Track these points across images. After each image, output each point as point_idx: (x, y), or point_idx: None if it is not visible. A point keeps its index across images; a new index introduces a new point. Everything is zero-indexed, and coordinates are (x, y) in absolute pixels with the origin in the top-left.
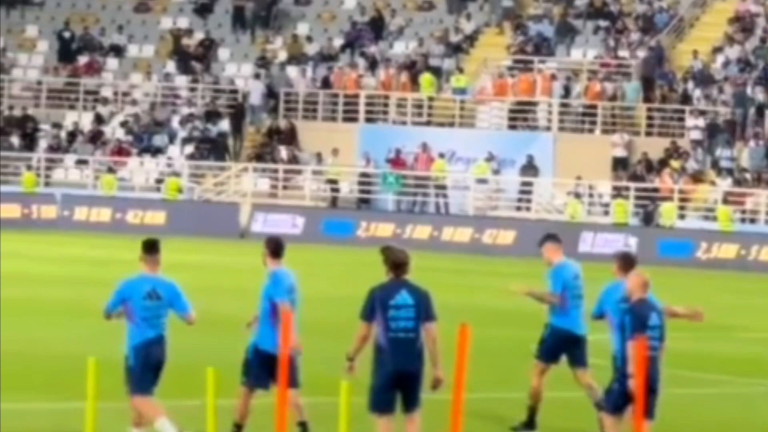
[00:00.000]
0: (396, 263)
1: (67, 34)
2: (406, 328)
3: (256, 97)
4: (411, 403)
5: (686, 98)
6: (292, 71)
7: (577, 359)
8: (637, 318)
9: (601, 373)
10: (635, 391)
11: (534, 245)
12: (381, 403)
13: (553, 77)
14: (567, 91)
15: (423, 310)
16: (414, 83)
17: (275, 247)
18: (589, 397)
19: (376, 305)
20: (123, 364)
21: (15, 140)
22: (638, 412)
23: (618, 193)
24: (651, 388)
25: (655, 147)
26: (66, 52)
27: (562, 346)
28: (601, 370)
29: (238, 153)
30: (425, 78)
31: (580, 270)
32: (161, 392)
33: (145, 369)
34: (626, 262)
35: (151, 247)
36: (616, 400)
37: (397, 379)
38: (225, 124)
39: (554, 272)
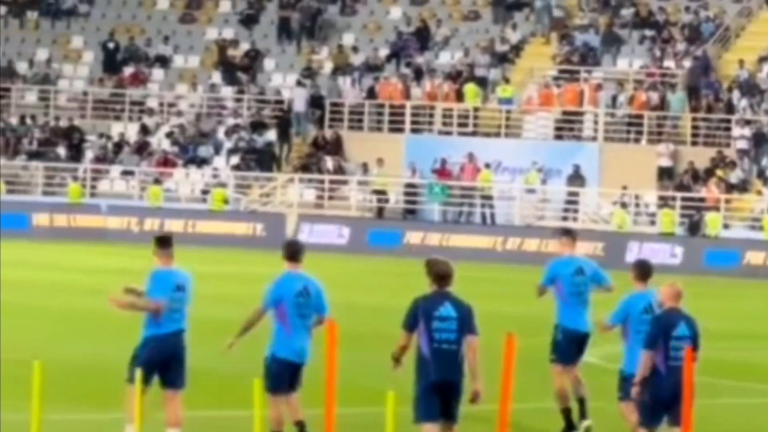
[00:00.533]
0: (440, 275)
1: (112, 45)
2: (449, 339)
3: (300, 104)
4: (449, 415)
5: (732, 108)
6: (340, 81)
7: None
8: (660, 328)
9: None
10: (637, 399)
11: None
12: (425, 411)
13: (599, 87)
14: (613, 101)
15: (466, 323)
16: (459, 93)
17: (290, 251)
18: (573, 392)
19: (419, 316)
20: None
21: (61, 151)
22: (686, 419)
23: (664, 203)
24: (676, 397)
25: (701, 157)
26: (111, 62)
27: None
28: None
29: (285, 160)
30: (469, 88)
31: (588, 266)
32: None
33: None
34: (644, 270)
35: (164, 242)
36: (649, 412)
37: (439, 389)
38: (271, 134)
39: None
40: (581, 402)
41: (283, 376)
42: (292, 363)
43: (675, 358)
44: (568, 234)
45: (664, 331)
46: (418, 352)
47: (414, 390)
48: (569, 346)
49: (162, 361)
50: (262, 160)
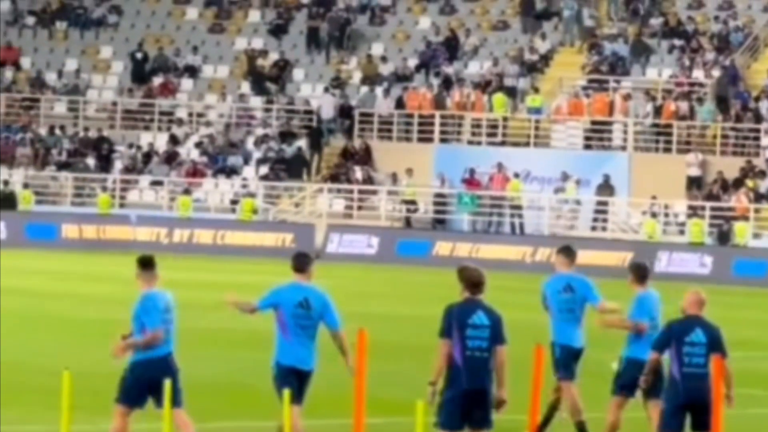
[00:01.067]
0: (473, 282)
1: (141, 55)
2: (481, 347)
3: (328, 112)
4: (481, 422)
5: (760, 117)
6: (377, 91)
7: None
8: (671, 333)
9: None
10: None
11: (614, 265)
12: (448, 419)
13: (628, 97)
14: (642, 111)
15: (497, 332)
16: (488, 103)
17: (296, 262)
18: (551, 400)
19: (453, 323)
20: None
21: (90, 161)
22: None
23: (693, 212)
24: (695, 403)
25: (730, 166)
26: (140, 73)
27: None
28: None
29: (317, 170)
30: (497, 98)
31: (578, 283)
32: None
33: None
34: (641, 272)
35: (146, 264)
36: (668, 419)
37: (469, 397)
38: (301, 143)
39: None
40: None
41: (289, 381)
42: (296, 369)
43: (689, 364)
44: (563, 252)
45: (677, 337)
46: (449, 360)
47: (442, 396)
48: (569, 361)
49: (150, 385)
50: (291, 167)
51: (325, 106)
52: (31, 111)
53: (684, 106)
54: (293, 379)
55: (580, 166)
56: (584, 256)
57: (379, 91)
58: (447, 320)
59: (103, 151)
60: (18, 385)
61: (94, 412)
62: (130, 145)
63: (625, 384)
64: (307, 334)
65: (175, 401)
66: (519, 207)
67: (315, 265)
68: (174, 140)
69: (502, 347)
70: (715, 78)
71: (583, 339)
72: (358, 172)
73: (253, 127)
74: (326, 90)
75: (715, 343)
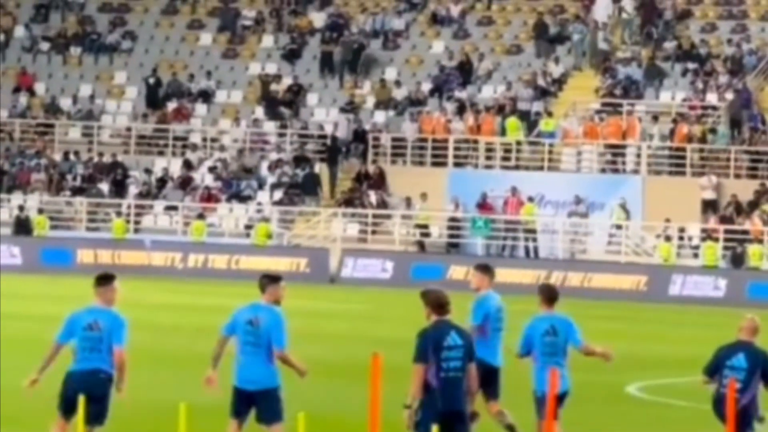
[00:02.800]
0: (440, 304)
1: (154, 81)
2: (456, 368)
3: (342, 132)
4: None
5: None
6: (381, 116)
7: (491, 391)
8: (716, 357)
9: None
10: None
11: (629, 288)
12: None
13: (642, 120)
14: (656, 134)
15: (470, 350)
16: (498, 127)
17: (259, 282)
18: (500, 423)
19: (429, 346)
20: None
21: (104, 187)
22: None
23: (708, 235)
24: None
25: (744, 189)
26: (154, 98)
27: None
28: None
29: (332, 192)
30: (511, 122)
31: (503, 303)
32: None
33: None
34: (550, 294)
35: (98, 280)
36: None
37: (447, 419)
38: (315, 168)
39: (478, 303)
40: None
41: (234, 402)
42: (240, 390)
43: (723, 385)
44: (483, 268)
45: (721, 361)
46: (424, 383)
47: (417, 419)
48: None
49: (75, 397)
50: (306, 186)
51: (341, 127)
52: (45, 136)
53: (698, 129)
54: (239, 399)
55: (595, 189)
56: (598, 280)
57: (405, 115)
58: (423, 344)
59: (117, 177)
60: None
61: None
62: (145, 171)
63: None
64: (256, 353)
65: (94, 420)
66: (533, 231)
67: (278, 286)
68: (188, 165)
69: (473, 364)
70: (729, 101)
71: (502, 357)
72: (372, 197)
73: (267, 152)
74: (342, 111)
75: (755, 369)
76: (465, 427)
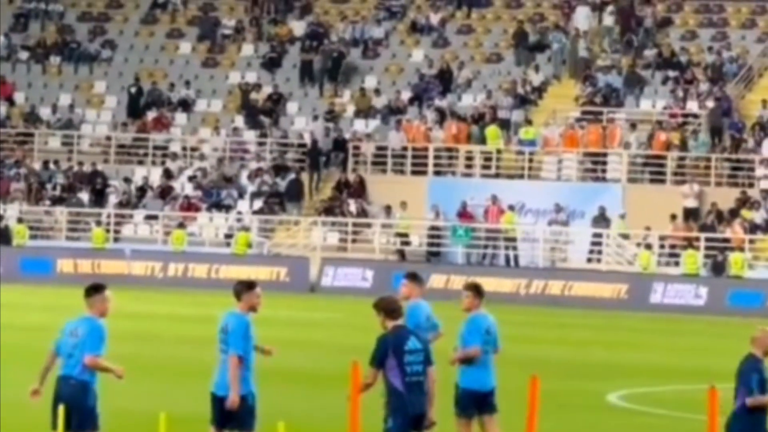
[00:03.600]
0: (392, 309)
1: (135, 90)
2: (418, 371)
3: (321, 139)
4: None
5: (756, 148)
6: (361, 124)
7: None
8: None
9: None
10: None
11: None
12: None
13: (622, 128)
14: (633, 142)
15: (428, 354)
16: (471, 135)
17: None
18: None
19: (389, 352)
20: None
21: (84, 196)
22: None
23: (689, 243)
24: None
25: (725, 197)
26: (136, 107)
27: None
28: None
29: (315, 193)
30: (490, 130)
31: (431, 311)
32: None
33: None
34: (479, 291)
35: (87, 291)
36: None
37: (414, 422)
38: (294, 175)
39: (409, 312)
40: None
41: (212, 409)
42: (214, 395)
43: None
44: (413, 277)
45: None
46: (389, 388)
47: (388, 424)
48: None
49: (55, 403)
50: (290, 193)
51: (320, 135)
52: (25, 146)
53: (678, 136)
54: (214, 406)
55: (574, 197)
56: (579, 288)
57: (391, 122)
58: (382, 349)
59: (97, 186)
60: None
61: None
62: (125, 180)
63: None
64: (224, 359)
65: (76, 426)
66: (513, 239)
67: (252, 294)
68: (168, 174)
69: (432, 368)
70: (709, 109)
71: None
72: (352, 205)
73: (247, 161)
74: (315, 119)
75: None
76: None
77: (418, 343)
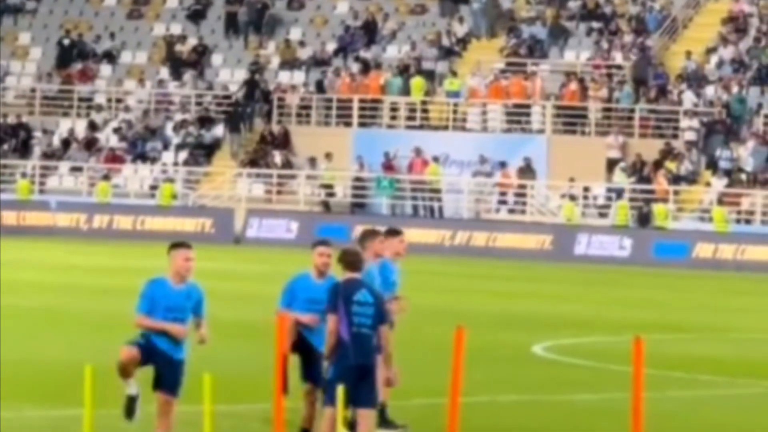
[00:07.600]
0: (350, 261)
1: (67, 42)
2: (366, 324)
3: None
4: (366, 400)
5: (679, 99)
6: (286, 76)
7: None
8: None
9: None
10: None
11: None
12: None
13: (546, 79)
14: (560, 93)
15: (380, 311)
16: (383, 87)
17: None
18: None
19: (339, 299)
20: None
21: (9, 148)
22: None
23: (616, 194)
24: None
25: (649, 148)
26: (62, 58)
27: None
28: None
29: (236, 154)
30: (416, 81)
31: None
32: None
33: None
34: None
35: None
36: None
37: (356, 373)
38: (219, 130)
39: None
40: None
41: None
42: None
43: None
44: (325, 243)
45: None
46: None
47: (329, 373)
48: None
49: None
50: (211, 151)
51: (243, 86)
52: None
53: (602, 88)
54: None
55: (499, 149)
56: (504, 240)
57: (311, 75)
58: (333, 296)
59: (21, 138)
60: None
61: (13, 400)
62: (49, 132)
63: None
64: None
65: None
66: (438, 191)
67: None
68: (93, 126)
69: (384, 327)
70: (633, 60)
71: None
72: (277, 157)
73: (172, 113)
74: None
75: None
76: (373, 385)
77: (370, 297)
